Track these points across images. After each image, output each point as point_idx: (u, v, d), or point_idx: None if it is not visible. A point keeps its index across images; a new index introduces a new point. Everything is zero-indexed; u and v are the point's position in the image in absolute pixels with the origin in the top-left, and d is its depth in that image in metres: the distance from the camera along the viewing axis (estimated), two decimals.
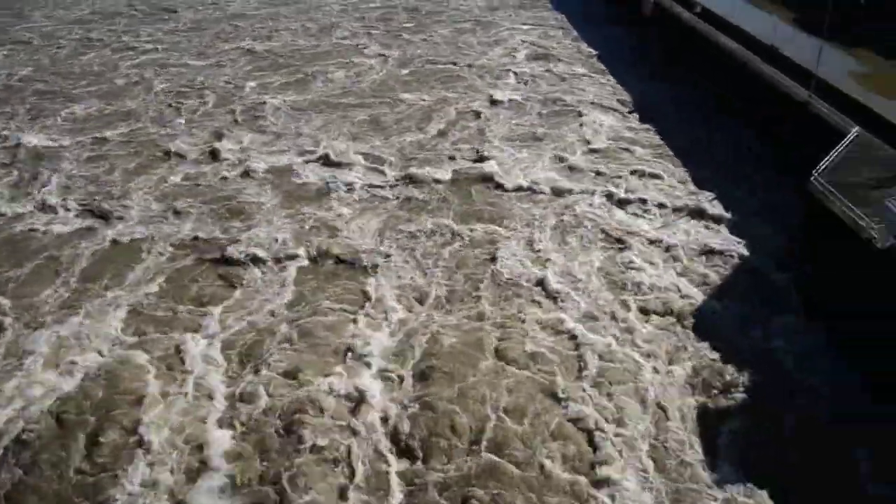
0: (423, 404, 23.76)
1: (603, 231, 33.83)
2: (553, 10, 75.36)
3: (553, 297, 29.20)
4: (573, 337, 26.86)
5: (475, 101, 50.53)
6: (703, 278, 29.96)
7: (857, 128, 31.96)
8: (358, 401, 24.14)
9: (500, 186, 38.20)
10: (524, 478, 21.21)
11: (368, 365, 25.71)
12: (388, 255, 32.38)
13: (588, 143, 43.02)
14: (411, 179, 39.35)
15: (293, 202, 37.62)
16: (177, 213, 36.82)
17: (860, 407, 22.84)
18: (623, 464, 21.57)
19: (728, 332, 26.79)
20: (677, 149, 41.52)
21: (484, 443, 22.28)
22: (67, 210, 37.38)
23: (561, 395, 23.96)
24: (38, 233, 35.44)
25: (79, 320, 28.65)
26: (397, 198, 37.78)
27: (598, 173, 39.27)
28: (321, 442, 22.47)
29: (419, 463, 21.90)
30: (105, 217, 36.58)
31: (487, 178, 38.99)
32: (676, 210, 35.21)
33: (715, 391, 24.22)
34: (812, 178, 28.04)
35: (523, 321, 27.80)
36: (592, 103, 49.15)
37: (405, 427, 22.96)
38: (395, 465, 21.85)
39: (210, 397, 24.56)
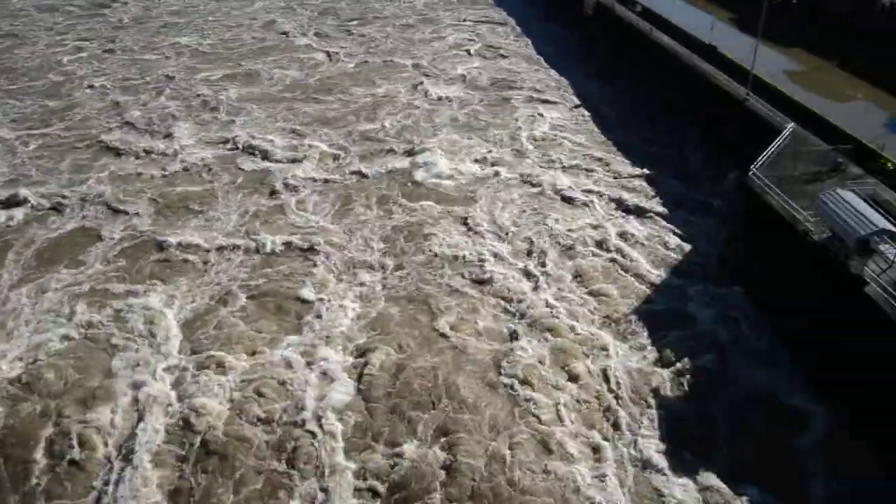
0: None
1: (543, 222, 34.32)
2: (495, 7, 75.56)
3: (480, 281, 30.20)
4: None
5: (417, 95, 50.58)
6: (645, 271, 30.43)
7: (792, 123, 32.87)
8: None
9: (438, 175, 38.94)
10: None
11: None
12: (330, 233, 33.83)
13: (529, 135, 43.69)
14: (355, 168, 39.97)
15: (238, 190, 37.93)
16: (121, 203, 36.58)
17: (801, 400, 23.53)
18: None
19: (667, 322, 27.28)
20: (619, 143, 42.17)
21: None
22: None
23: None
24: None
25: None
26: (342, 184, 38.50)
27: (538, 164, 39.85)
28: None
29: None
30: (56, 208, 36.33)
31: (425, 166, 39.68)
32: (617, 203, 35.69)
33: (649, 373, 24.93)
34: (750, 174, 28.70)
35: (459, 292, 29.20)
36: (534, 98, 49.62)
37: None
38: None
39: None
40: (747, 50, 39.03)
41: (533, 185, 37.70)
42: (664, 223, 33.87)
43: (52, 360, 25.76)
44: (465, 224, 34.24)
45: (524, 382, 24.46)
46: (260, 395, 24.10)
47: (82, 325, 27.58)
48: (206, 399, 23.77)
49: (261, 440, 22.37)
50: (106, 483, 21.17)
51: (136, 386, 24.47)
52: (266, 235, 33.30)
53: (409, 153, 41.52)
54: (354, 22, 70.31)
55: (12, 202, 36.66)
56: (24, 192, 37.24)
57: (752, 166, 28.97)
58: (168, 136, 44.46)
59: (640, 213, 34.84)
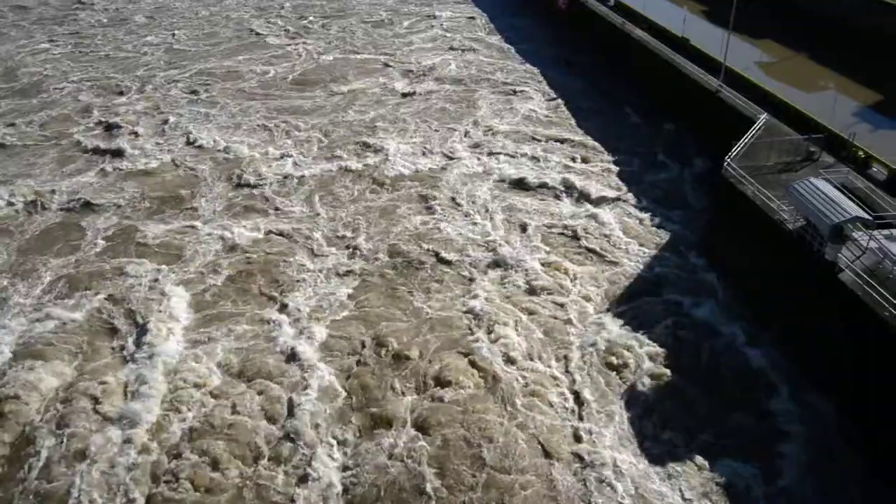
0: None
1: (509, 208, 34.64)
2: (469, 1, 75.26)
3: (448, 261, 30.99)
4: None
5: (391, 88, 50.75)
6: (618, 260, 30.48)
7: (765, 114, 33.13)
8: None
9: (413, 160, 39.77)
10: None
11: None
12: (317, 214, 35.01)
13: (501, 124, 44.06)
14: (333, 157, 40.51)
15: (222, 180, 38.51)
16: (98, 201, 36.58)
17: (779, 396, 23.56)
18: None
19: (645, 313, 27.37)
20: (591, 134, 42.15)
21: None
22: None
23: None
24: None
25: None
26: (326, 171, 39.19)
27: (510, 154, 39.98)
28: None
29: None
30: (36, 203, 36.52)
31: (399, 154, 40.37)
32: (590, 194, 35.51)
33: (621, 360, 25.00)
34: (725, 164, 28.81)
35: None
36: (508, 91, 49.60)
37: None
38: None
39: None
40: (719, 42, 39.30)
41: (501, 175, 37.95)
42: (637, 213, 33.87)
43: None
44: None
45: None
46: None
47: None
48: None
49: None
50: None
51: None
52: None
53: (383, 141, 42.14)
54: (329, 18, 69.76)
55: None
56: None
57: (726, 157, 29.08)
58: (153, 125, 45.43)
59: (611, 202, 34.80)
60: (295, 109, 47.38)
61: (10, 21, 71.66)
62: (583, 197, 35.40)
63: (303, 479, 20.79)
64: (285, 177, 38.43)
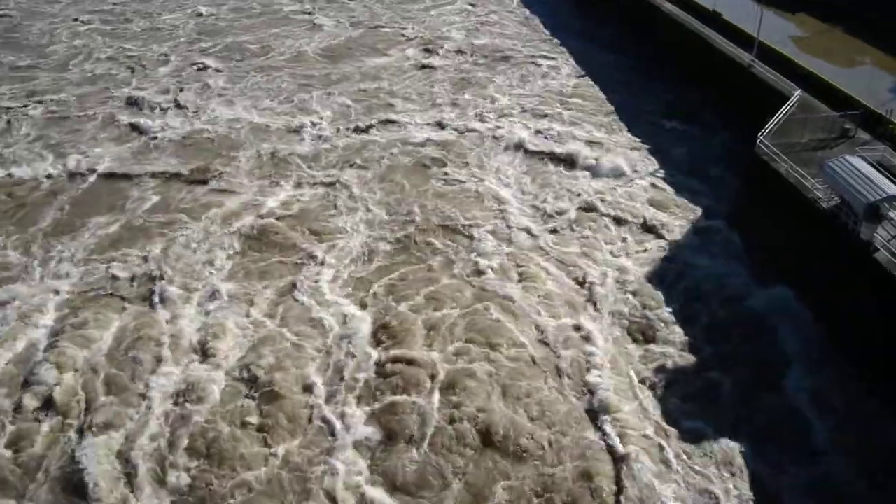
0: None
1: (549, 184, 34.77)
2: None
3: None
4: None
5: (417, 59, 51.59)
6: (648, 236, 30.44)
7: (798, 90, 32.71)
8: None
9: (442, 127, 40.68)
10: None
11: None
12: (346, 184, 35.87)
13: (525, 95, 44.40)
14: (363, 127, 41.43)
15: (259, 144, 39.76)
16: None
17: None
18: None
19: (672, 285, 27.45)
20: (621, 109, 41.89)
21: None
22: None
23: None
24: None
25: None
26: (354, 139, 40.21)
27: (538, 131, 39.72)
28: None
29: None
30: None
31: (432, 125, 41.21)
32: (622, 169, 35.31)
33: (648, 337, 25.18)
34: (758, 141, 28.60)
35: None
36: (534, 62, 49.66)
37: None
38: None
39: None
40: (751, 16, 38.68)
41: (531, 147, 38.01)
42: (669, 190, 33.72)
43: None
44: None
45: None
46: None
47: None
48: None
49: None
50: None
51: None
52: None
53: (423, 110, 43.16)
54: None
55: None
56: None
57: (759, 134, 28.85)
58: (181, 96, 46.29)
59: (644, 177, 34.75)
60: (322, 80, 48.01)
61: None
62: (611, 170, 35.29)
63: None
64: (318, 138, 39.87)
